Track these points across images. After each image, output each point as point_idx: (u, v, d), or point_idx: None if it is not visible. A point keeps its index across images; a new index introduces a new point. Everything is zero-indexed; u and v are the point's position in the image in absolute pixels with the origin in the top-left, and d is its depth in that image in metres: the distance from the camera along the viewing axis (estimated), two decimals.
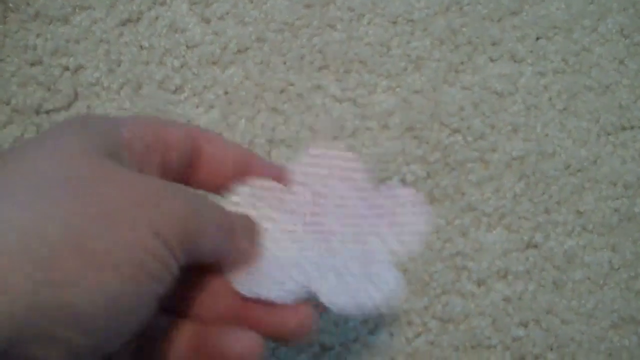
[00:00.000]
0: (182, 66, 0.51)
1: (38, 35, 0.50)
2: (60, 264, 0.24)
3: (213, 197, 0.34)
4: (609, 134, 0.53)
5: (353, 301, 0.32)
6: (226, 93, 0.51)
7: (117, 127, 0.30)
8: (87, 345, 0.25)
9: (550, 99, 0.53)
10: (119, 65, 0.50)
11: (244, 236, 0.33)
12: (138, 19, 0.51)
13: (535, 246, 0.50)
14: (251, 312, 0.32)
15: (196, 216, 0.29)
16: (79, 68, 0.50)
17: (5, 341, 0.22)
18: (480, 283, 0.50)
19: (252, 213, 0.35)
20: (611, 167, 0.52)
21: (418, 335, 0.49)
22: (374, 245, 0.36)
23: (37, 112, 0.49)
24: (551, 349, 0.49)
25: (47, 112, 0.49)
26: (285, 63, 0.51)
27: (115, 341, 0.27)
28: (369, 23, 0.53)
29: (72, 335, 0.24)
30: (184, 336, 0.32)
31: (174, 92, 0.50)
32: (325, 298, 0.32)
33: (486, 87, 0.52)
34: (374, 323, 0.48)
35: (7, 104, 0.49)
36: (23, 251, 0.23)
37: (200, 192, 0.34)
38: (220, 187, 0.35)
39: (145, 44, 0.51)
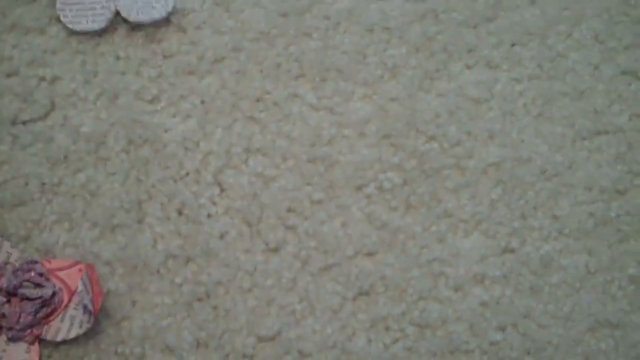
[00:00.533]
0: (158, 76, 0.51)
1: (14, 46, 0.50)
2: None
3: None
4: (584, 139, 0.53)
5: (143, 12, 0.50)
6: (203, 102, 0.51)
7: None
8: None
9: (525, 105, 0.53)
10: (95, 76, 0.51)
11: None
12: (114, 30, 0.51)
13: (512, 251, 0.51)
14: None
15: None
16: (55, 79, 0.50)
17: None
18: (457, 288, 0.50)
19: None
20: (586, 172, 0.52)
21: (396, 341, 0.49)
22: None
23: (14, 123, 0.49)
24: (528, 353, 0.50)
25: (24, 122, 0.49)
26: (261, 72, 0.52)
27: None
28: (345, 31, 0.53)
29: None
30: None
31: (151, 101, 0.51)
32: (124, 13, 0.50)
33: (462, 94, 0.52)
34: (352, 329, 0.48)
35: None
36: None
37: None
38: None
39: (122, 54, 0.51)
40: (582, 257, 0.51)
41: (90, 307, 0.44)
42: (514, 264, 0.50)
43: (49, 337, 0.44)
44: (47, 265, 0.45)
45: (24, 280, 0.44)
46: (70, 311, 0.44)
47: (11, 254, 0.45)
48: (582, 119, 0.53)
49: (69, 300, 0.44)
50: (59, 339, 0.44)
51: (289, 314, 0.48)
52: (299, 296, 0.48)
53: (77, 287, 0.44)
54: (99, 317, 0.45)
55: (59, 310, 0.44)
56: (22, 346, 0.43)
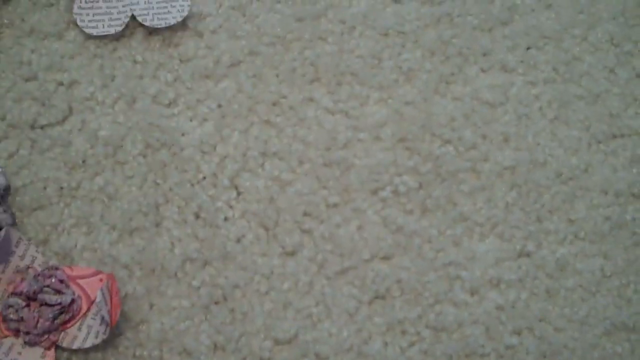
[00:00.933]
0: (175, 80, 0.51)
1: (33, 51, 0.51)
2: None
3: None
4: (599, 143, 0.53)
5: (159, 17, 0.51)
6: (219, 106, 0.51)
7: None
8: None
9: (541, 108, 0.53)
10: (113, 80, 0.51)
11: None
12: (131, 34, 0.52)
13: (528, 255, 0.51)
14: None
15: None
16: (73, 83, 0.51)
17: None
18: (473, 292, 0.50)
19: None
20: (602, 175, 0.52)
21: (412, 344, 0.49)
22: None
23: (32, 127, 0.49)
24: (544, 357, 0.50)
25: (42, 127, 0.50)
26: (277, 76, 0.52)
27: None
28: (360, 35, 0.53)
29: None
30: None
31: (168, 105, 0.51)
32: (140, 17, 0.51)
33: (477, 98, 0.53)
34: (368, 333, 0.49)
35: (3, 119, 0.49)
36: None
37: None
38: None
39: (139, 58, 0.51)
40: (598, 260, 0.51)
41: (107, 318, 0.44)
42: (530, 268, 0.50)
43: (65, 344, 0.44)
44: (69, 272, 0.45)
45: (44, 286, 0.44)
46: (88, 320, 0.44)
47: (36, 257, 0.45)
48: (597, 122, 0.53)
49: (88, 309, 0.45)
50: (74, 346, 0.44)
51: (305, 317, 0.48)
52: (315, 300, 0.48)
53: (96, 297, 0.44)
54: (117, 320, 0.45)
55: (77, 318, 0.45)
56: (38, 351, 0.44)
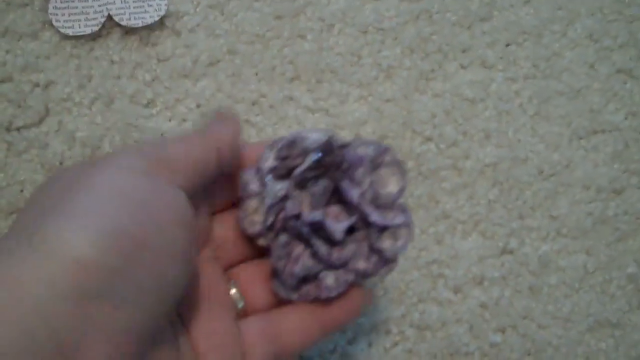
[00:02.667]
0: (153, 80, 0.51)
1: (7, 52, 0.50)
2: None
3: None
4: (580, 138, 0.53)
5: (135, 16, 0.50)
6: (198, 106, 0.50)
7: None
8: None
9: (521, 104, 0.53)
10: (90, 80, 0.50)
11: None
12: (108, 34, 0.51)
13: (511, 252, 0.51)
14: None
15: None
16: (49, 84, 0.50)
17: None
18: (456, 290, 0.50)
19: None
20: (584, 171, 0.52)
21: (396, 344, 0.49)
22: None
23: (8, 129, 0.49)
24: (529, 354, 0.49)
25: (18, 128, 0.49)
26: (256, 74, 0.51)
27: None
28: (339, 33, 0.53)
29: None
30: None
31: (146, 105, 0.50)
32: (117, 17, 0.49)
33: (457, 94, 0.52)
34: (353, 333, 0.48)
35: None
36: None
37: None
38: None
39: (116, 58, 0.51)
40: (581, 256, 0.51)
41: None
42: (513, 265, 0.50)
43: None
44: None
45: None
46: None
47: None
48: (578, 118, 0.53)
49: None
50: None
51: None
52: None
53: None
54: None
55: None
56: None
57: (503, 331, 0.49)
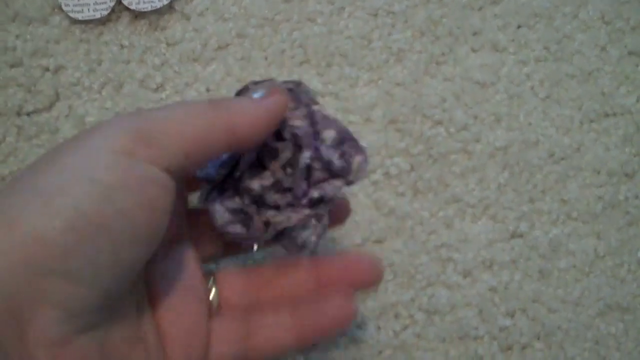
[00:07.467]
0: (162, 64, 0.51)
1: (17, 37, 0.50)
2: None
3: None
4: (592, 122, 0.53)
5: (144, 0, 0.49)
6: (208, 90, 0.50)
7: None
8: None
9: (532, 87, 0.53)
10: (100, 65, 0.50)
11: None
12: (117, 18, 0.51)
13: (521, 236, 0.50)
14: None
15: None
16: (59, 68, 0.50)
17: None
18: (465, 274, 0.50)
19: None
20: (595, 155, 0.52)
21: (405, 327, 0.49)
22: None
23: (19, 114, 0.49)
24: (538, 338, 0.49)
25: (28, 113, 0.49)
26: (266, 58, 0.51)
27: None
28: (349, 16, 0.52)
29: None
30: None
31: (156, 90, 0.50)
32: (126, 1, 0.47)
33: (468, 78, 0.52)
34: (361, 317, 0.48)
35: None
36: None
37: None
38: None
39: (126, 42, 0.51)
40: (591, 240, 0.51)
41: None
42: (523, 249, 0.50)
43: None
44: None
45: None
46: None
47: None
48: (589, 101, 0.53)
49: None
50: None
51: None
52: None
53: None
54: None
55: None
56: None
57: (512, 315, 0.49)
